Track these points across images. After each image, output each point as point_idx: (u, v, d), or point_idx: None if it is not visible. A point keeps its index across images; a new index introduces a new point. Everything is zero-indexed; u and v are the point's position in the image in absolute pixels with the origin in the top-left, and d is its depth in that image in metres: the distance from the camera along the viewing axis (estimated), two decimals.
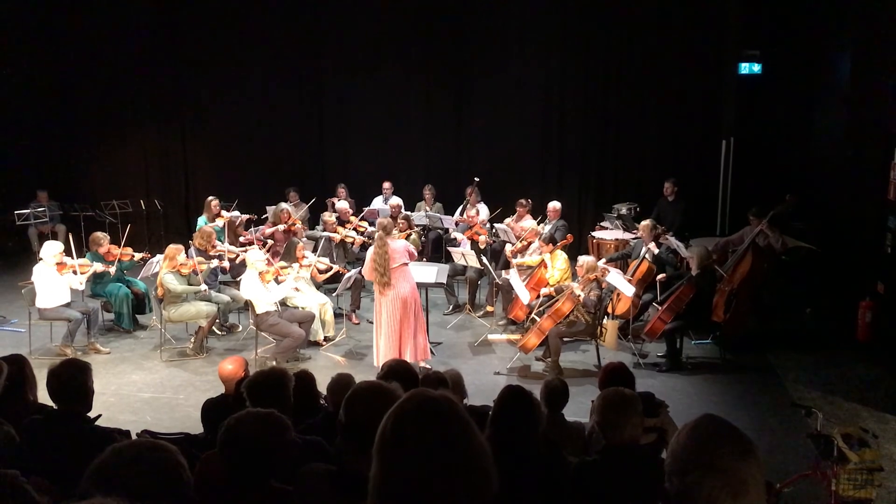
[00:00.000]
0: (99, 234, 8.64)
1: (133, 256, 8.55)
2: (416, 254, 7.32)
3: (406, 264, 7.07)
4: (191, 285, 7.93)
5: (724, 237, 10.14)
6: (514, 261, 8.73)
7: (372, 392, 2.38)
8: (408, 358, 6.87)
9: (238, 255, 8.77)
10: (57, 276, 7.77)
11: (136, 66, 12.45)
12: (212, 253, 8.45)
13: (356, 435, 2.27)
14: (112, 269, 8.25)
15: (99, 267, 8.13)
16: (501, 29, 11.89)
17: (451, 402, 1.53)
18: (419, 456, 1.44)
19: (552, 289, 7.78)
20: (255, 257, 7.70)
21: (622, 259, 8.79)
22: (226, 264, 8.41)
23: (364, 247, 9.91)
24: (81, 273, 7.91)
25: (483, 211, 10.22)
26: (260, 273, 7.56)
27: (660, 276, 7.93)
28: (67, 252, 8.01)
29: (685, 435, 1.64)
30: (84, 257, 8.30)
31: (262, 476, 2.48)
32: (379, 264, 6.92)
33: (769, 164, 10.74)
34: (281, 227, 9.23)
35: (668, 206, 10.26)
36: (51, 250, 7.79)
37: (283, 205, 9.77)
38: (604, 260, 8.42)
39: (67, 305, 7.88)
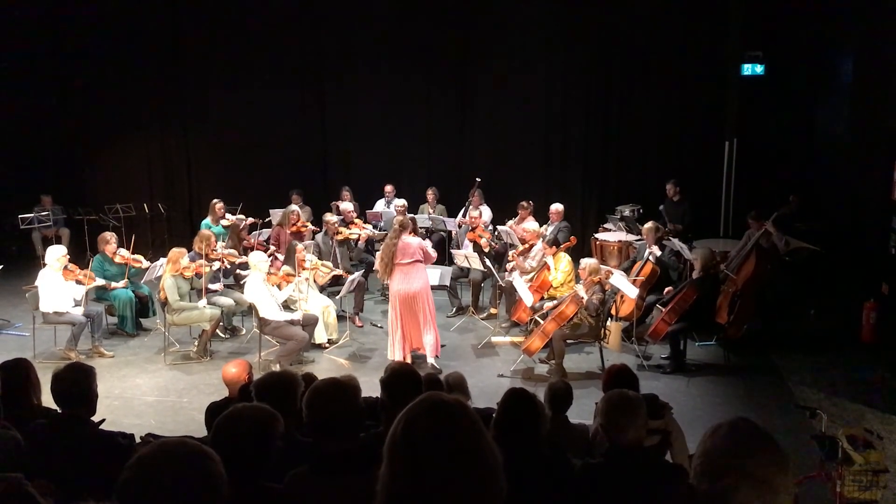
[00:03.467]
0: (107, 233, 8.68)
1: (142, 264, 8.54)
2: (432, 255, 7.48)
3: (419, 262, 7.27)
4: (194, 288, 7.97)
5: (727, 239, 10.15)
6: (517, 262, 8.70)
7: (329, 387, 2.82)
8: (429, 353, 7.32)
9: (237, 260, 8.76)
10: (62, 281, 7.80)
11: (140, 70, 12.47)
12: (213, 257, 8.45)
13: (322, 427, 2.71)
14: (120, 284, 8.33)
15: (101, 282, 8.19)
16: (503, 31, 11.89)
17: (463, 405, 1.54)
18: (429, 458, 1.44)
19: (554, 303, 7.74)
20: (258, 259, 7.71)
21: (631, 265, 8.78)
22: (218, 286, 8.36)
23: (367, 247, 9.93)
24: (85, 283, 7.95)
25: (486, 213, 10.21)
26: (267, 275, 7.60)
27: (667, 290, 7.89)
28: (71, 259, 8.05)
29: (721, 437, 1.61)
30: (91, 261, 8.35)
31: (253, 473, 2.48)
32: (385, 254, 7.24)
33: (772, 165, 10.73)
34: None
35: (673, 206, 10.26)
36: (55, 254, 7.81)
37: (293, 206, 9.80)
38: (621, 270, 8.41)
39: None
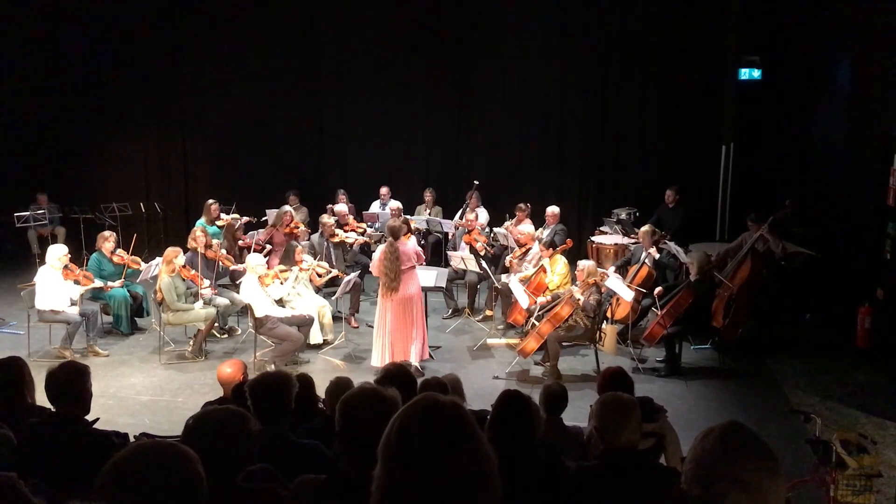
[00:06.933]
0: (106, 231, 8.66)
1: (140, 266, 8.52)
2: (423, 256, 7.39)
3: (413, 267, 7.16)
4: (190, 288, 7.97)
5: (723, 243, 10.15)
6: (514, 267, 8.71)
7: (368, 397, 2.36)
8: (413, 358, 7.05)
9: (231, 266, 8.73)
10: (60, 280, 7.78)
11: (136, 69, 12.46)
12: (209, 256, 8.43)
13: (352, 440, 2.28)
14: (117, 284, 8.29)
15: (99, 283, 8.16)
16: (501, 34, 11.92)
17: (459, 407, 1.53)
18: (424, 461, 1.43)
19: (548, 297, 7.74)
20: (255, 262, 7.71)
21: (624, 266, 8.79)
22: (206, 291, 8.32)
23: (363, 248, 9.92)
24: (83, 284, 7.93)
25: (482, 215, 10.21)
26: (260, 277, 7.57)
27: (657, 290, 7.87)
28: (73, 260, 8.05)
29: (712, 442, 1.60)
30: (89, 260, 8.33)
31: (228, 474, 2.44)
32: (390, 269, 7.00)
33: (769, 170, 10.76)
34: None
35: (668, 212, 10.27)
36: (56, 253, 7.80)
37: (287, 207, 9.80)
38: (613, 268, 8.42)
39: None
